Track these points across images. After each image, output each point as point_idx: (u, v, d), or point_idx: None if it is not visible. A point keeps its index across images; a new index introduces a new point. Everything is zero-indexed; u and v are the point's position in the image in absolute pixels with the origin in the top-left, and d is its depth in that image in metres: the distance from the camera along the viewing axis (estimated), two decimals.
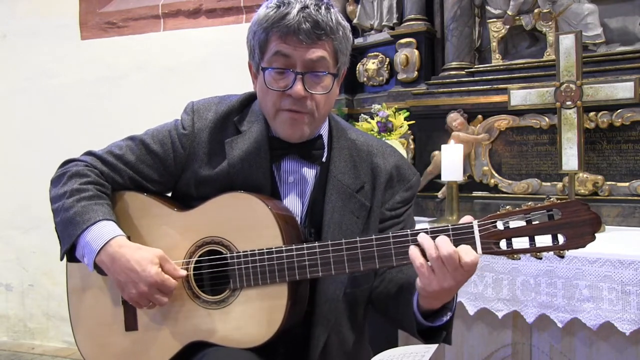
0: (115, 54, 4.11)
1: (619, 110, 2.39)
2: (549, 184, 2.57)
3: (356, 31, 3.29)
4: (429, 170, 2.80)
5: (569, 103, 2.33)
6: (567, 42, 2.30)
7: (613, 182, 2.43)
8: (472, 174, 2.75)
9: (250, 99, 1.47)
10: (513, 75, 2.65)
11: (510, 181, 2.66)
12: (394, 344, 2.20)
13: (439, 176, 2.65)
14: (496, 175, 2.70)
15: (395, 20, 3.08)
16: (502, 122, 2.66)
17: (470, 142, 2.70)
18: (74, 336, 1.44)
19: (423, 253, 1.16)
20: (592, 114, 2.43)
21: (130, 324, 1.38)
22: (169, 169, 1.43)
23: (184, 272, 1.32)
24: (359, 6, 3.19)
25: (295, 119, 1.33)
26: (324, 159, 1.42)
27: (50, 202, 1.40)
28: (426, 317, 1.27)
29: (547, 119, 2.54)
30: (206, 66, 3.78)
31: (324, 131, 1.45)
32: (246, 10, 3.85)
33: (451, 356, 2.20)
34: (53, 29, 4.22)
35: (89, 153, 1.46)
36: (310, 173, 1.42)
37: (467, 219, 1.21)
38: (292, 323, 1.31)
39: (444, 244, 1.14)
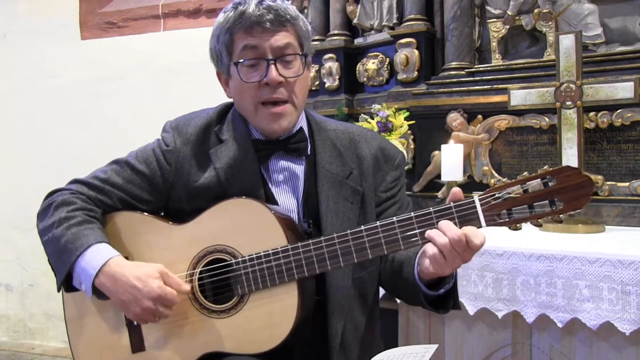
0: (115, 54, 4.11)
1: (619, 110, 2.39)
2: None
3: (356, 31, 3.29)
4: (429, 170, 2.80)
5: (569, 103, 2.33)
6: (567, 42, 2.30)
7: (613, 182, 2.43)
8: (472, 174, 2.75)
9: (226, 109, 1.48)
10: (513, 75, 2.65)
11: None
12: (394, 344, 2.20)
13: (439, 176, 2.65)
14: (496, 175, 2.70)
15: (395, 20, 3.08)
16: (502, 122, 2.66)
17: (470, 142, 2.70)
18: None
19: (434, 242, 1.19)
20: (592, 114, 2.43)
21: (137, 345, 1.35)
22: (157, 187, 1.42)
23: (187, 287, 1.31)
24: (359, 6, 3.19)
25: (276, 113, 1.34)
26: (309, 152, 1.44)
27: (39, 236, 1.39)
28: (430, 286, 1.29)
29: (547, 119, 2.54)
30: (206, 66, 3.77)
31: (303, 124, 1.46)
32: None
33: (451, 356, 2.19)
34: (53, 29, 4.23)
35: (74, 181, 1.44)
36: (298, 168, 1.43)
37: (455, 192, 1.23)
38: (303, 320, 1.30)
39: (450, 228, 1.17)
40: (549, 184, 1.19)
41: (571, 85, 2.32)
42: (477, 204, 1.20)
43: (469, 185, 2.73)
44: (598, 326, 1.83)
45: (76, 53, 4.20)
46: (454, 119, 2.70)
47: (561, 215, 1.21)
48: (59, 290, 1.36)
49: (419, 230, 1.21)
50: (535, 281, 1.93)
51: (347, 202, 1.40)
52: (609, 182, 2.43)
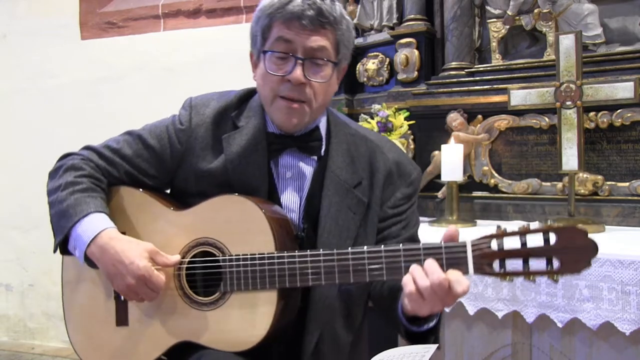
0: (115, 54, 4.11)
1: (619, 110, 2.39)
2: (549, 184, 2.57)
3: (356, 31, 3.29)
4: (429, 170, 2.80)
5: (569, 103, 2.33)
6: (567, 42, 2.30)
7: (613, 182, 2.43)
8: (472, 174, 2.75)
9: (248, 94, 1.47)
10: (513, 75, 2.65)
11: (510, 181, 2.66)
12: (394, 344, 2.20)
13: (439, 176, 2.65)
14: (496, 175, 2.70)
15: (395, 20, 3.08)
16: (502, 122, 2.65)
17: (470, 142, 2.70)
18: (66, 326, 1.44)
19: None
20: (592, 114, 2.43)
21: (121, 319, 1.38)
22: (165, 163, 1.43)
23: (177, 258, 1.32)
24: (359, 6, 3.19)
25: (291, 107, 1.33)
26: (322, 153, 1.42)
27: (46, 195, 1.40)
28: (412, 320, 1.25)
29: (547, 119, 2.54)
30: (206, 66, 3.78)
31: (322, 123, 1.44)
32: (246, 10, 3.85)
33: (451, 356, 2.19)
34: (53, 29, 4.23)
35: (87, 147, 1.46)
36: (307, 168, 1.41)
37: (451, 231, 1.18)
38: (281, 328, 1.30)
39: (434, 271, 1.11)
40: (550, 240, 1.13)
41: (571, 85, 2.32)
42: (469, 248, 1.15)
43: (469, 185, 2.74)
44: (598, 326, 1.83)
45: (76, 53, 4.20)
46: (454, 119, 2.70)
47: (556, 276, 1.14)
48: (54, 251, 1.37)
49: (404, 264, 1.18)
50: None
51: (350, 211, 1.38)
52: (609, 182, 2.43)
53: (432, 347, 1.16)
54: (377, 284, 1.43)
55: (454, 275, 1.10)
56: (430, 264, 1.13)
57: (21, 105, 4.30)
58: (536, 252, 1.13)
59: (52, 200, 1.37)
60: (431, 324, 1.25)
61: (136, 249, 1.28)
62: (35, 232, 4.17)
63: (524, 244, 1.14)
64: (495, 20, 2.78)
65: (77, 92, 4.14)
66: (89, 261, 1.31)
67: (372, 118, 2.82)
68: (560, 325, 1.90)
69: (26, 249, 4.27)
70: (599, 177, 2.44)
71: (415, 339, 1.28)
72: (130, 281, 1.27)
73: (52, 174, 1.43)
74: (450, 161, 2.53)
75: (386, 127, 2.77)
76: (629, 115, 2.38)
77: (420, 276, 1.12)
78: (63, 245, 1.35)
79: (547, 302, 1.91)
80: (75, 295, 1.43)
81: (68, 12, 4.22)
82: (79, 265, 1.40)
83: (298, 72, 1.29)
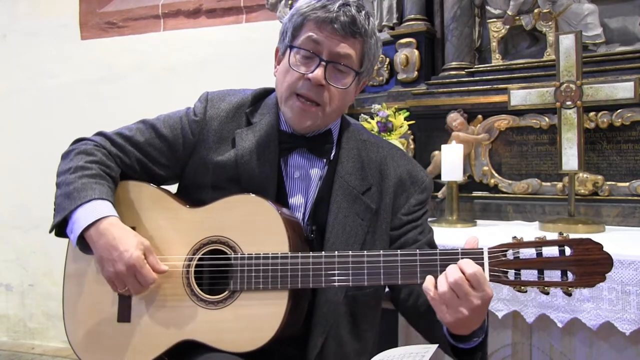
0: (115, 54, 4.12)
1: (619, 110, 2.39)
2: (549, 184, 2.57)
3: None
4: (429, 170, 2.80)
5: (569, 103, 2.33)
6: (567, 42, 2.30)
7: (613, 182, 2.43)
8: (472, 174, 2.75)
9: (264, 93, 1.49)
10: (513, 75, 2.65)
11: (510, 181, 2.66)
12: (394, 344, 2.20)
13: (439, 176, 2.65)
14: (496, 175, 2.70)
15: (395, 20, 3.08)
16: (502, 122, 2.66)
17: (470, 142, 2.70)
18: (64, 320, 1.43)
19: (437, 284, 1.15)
20: (592, 114, 2.43)
21: (123, 315, 1.37)
22: (176, 154, 1.44)
23: (165, 268, 1.31)
24: None
25: (304, 110, 1.34)
26: (332, 157, 1.42)
27: (56, 176, 1.41)
28: (457, 337, 1.23)
29: (547, 119, 2.54)
30: (206, 66, 3.79)
31: (335, 128, 1.45)
32: (246, 10, 3.85)
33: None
34: (53, 29, 4.24)
35: (100, 133, 1.47)
36: (316, 170, 1.42)
37: (473, 241, 1.20)
38: (289, 330, 1.30)
39: (452, 271, 1.13)
40: (565, 252, 1.14)
41: (571, 85, 2.32)
42: (485, 255, 1.16)
43: (469, 185, 2.74)
44: (598, 326, 1.83)
45: (76, 53, 4.21)
46: (454, 119, 2.70)
47: (570, 289, 1.15)
48: (50, 231, 1.37)
49: (420, 269, 1.20)
50: None
51: (358, 217, 1.39)
52: (609, 182, 2.43)
53: (432, 347, 1.16)
54: (407, 298, 1.42)
55: (464, 262, 1.14)
56: (451, 267, 1.15)
57: (21, 105, 4.31)
58: (551, 263, 1.15)
59: (60, 182, 1.37)
60: (477, 340, 1.24)
61: (132, 239, 1.29)
62: (35, 232, 4.18)
63: (539, 254, 1.16)
64: (495, 20, 2.78)
65: (77, 92, 4.14)
66: (81, 245, 1.31)
67: (372, 118, 2.82)
68: (560, 325, 1.90)
69: (26, 249, 4.28)
70: (599, 177, 2.44)
71: (461, 355, 1.27)
72: (120, 268, 1.26)
73: (64, 157, 1.44)
74: (450, 161, 2.53)
75: (386, 127, 2.77)
76: (629, 115, 2.38)
77: (440, 279, 1.14)
78: (61, 228, 1.34)
79: (547, 302, 1.91)
80: (76, 289, 1.42)
81: (68, 12, 4.23)
82: (82, 260, 1.40)
83: (319, 73, 1.31)
